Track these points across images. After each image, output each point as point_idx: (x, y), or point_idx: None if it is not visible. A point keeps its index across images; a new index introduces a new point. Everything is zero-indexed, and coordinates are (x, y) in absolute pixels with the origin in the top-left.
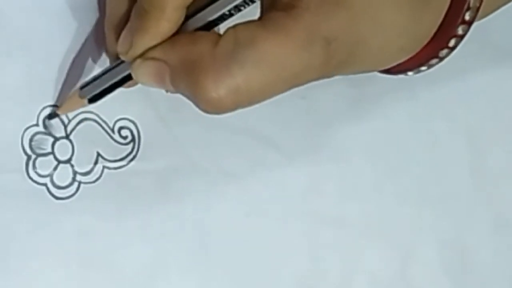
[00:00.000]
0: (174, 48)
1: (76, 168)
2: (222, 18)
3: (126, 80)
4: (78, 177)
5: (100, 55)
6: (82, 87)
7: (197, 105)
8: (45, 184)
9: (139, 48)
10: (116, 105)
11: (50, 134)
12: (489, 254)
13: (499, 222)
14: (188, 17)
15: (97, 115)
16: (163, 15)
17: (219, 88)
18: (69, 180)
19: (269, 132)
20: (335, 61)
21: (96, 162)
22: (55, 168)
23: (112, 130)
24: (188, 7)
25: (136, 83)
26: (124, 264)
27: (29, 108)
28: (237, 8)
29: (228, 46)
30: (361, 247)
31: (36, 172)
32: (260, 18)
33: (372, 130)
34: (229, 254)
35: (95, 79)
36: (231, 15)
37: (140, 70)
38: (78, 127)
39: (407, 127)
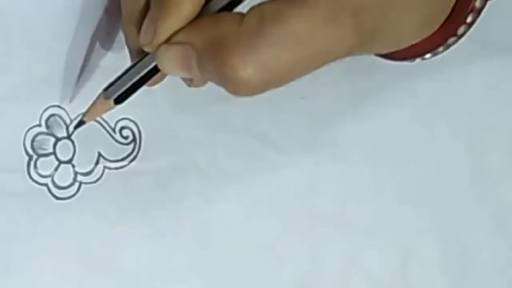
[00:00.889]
0: (198, 30)
1: (77, 169)
2: None
3: (151, 75)
4: (79, 177)
5: (104, 54)
6: (106, 89)
7: (226, 87)
8: (46, 184)
9: (163, 35)
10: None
11: (52, 134)
12: (489, 254)
13: (499, 222)
14: None
15: None
16: None
17: (247, 66)
18: (70, 180)
19: (269, 132)
20: (362, 35)
21: (97, 163)
22: (56, 169)
23: (114, 130)
24: None
25: (161, 79)
26: (124, 264)
27: (32, 109)
28: None
29: (254, 23)
30: (361, 247)
31: (37, 172)
32: None
33: (372, 130)
34: (229, 254)
35: (118, 78)
36: None
37: (166, 56)
38: (79, 127)
39: (407, 127)
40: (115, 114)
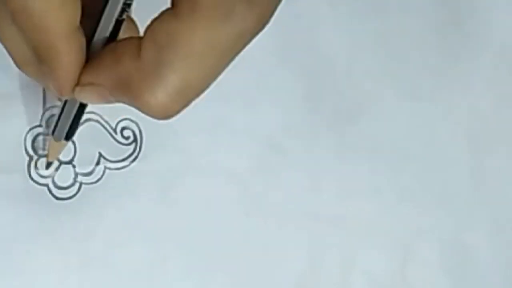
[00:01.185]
0: (102, 71)
1: (78, 169)
2: (122, 12)
3: (82, 107)
4: (80, 178)
5: None
6: (52, 132)
7: (148, 116)
8: (46, 185)
9: (65, 90)
10: (118, 106)
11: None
12: (489, 254)
13: (499, 222)
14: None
15: (99, 115)
16: (59, 51)
17: (159, 97)
18: (71, 180)
19: (269, 132)
20: (260, 11)
21: (98, 163)
22: (57, 169)
23: (115, 131)
24: (85, 23)
25: None
26: (124, 264)
27: (33, 109)
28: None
29: (151, 54)
30: (361, 247)
31: (37, 173)
32: (172, 5)
33: (372, 130)
34: (229, 254)
35: (58, 120)
36: (129, 5)
37: (83, 97)
38: (80, 128)
39: (407, 127)
40: (116, 114)
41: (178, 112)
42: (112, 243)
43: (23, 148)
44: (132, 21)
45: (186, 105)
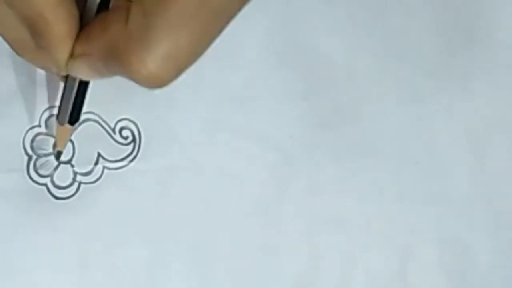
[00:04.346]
0: (91, 40)
1: (77, 169)
2: None
3: (83, 87)
4: (79, 178)
5: None
6: (57, 117)
7: (140, 85)
8: (45, 184)
9: (61, 61)
10: (117, 106)
11: (51, 135)
12: (489, 253)
13: (499, 222)
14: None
15: (98, 115)
16: (49, 21)
17: (148, 63)
18: (70, 180)
19: (269, 132)
20: None
21: (96, 163)
22: (56, 169)
23: (113, 131)
24: None
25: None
26: (124, 264)
27: (32, 109)
28: None
29: (139, 19)
30: (361, 247)
31: (36, 172)
32: None
33: (372, 130)
34: (229, 254)
35: (60, 103)
36: None
37: (77, 70)
38: (79, 128)
39: (407, 127)
40: (114, 114)
41: (170, 80)
42: (111, 242)
43: (22, 148)
44: None
45: (178, 73)
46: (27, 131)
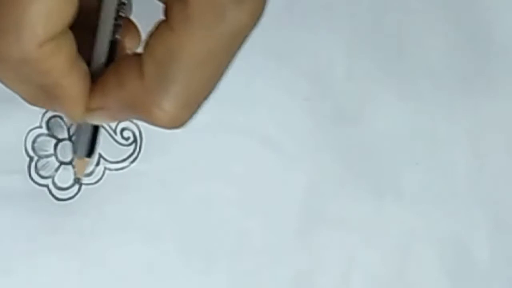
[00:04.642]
0: (108, 95)
1: None
2: (114, 33)
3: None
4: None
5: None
6: (74, 152)
7: (162, 128)
8: (46, 186)
9: (77, 115)
10: None
11: (53, 136)
12: (488, 254)
13: (498, 222)
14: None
15: None
16: (64, 87)
17: (168, 110)
18: (71, 181)
19: (269, 132)
20: (251, 6)
21: (97, 164)
22: (57, 170)
23: (114, 132)
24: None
25: None
26: (124, 264)
27: (33, 110)
28: (119, 17)
29: (153, 71)
30: (360, 247)
31: (37, 174)
32: (165, 16)
33: (373, 131)
34: (229, 254)
35: (77, 138)
36: (119, 25)
37: (94, 120)
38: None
39: (407, 127)
40: None
41: (188, 119)
42: (112, 243)
43: (23, 149)
44: (131, 22)
45: (195, 111)
46: (29, 132)
